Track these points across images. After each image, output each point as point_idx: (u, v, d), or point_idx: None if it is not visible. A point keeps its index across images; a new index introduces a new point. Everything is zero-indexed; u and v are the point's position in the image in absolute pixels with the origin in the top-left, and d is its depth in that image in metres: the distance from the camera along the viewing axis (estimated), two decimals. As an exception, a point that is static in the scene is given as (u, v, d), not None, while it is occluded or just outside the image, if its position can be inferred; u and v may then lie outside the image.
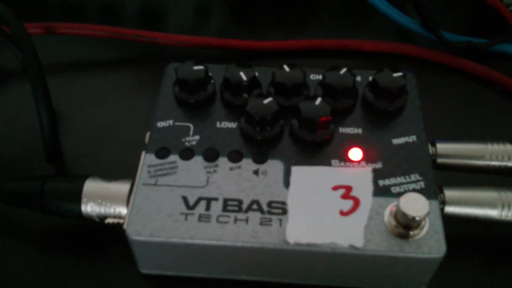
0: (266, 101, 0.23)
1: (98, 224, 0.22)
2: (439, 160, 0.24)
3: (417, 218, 0.19)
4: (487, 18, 0.36)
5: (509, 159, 0.24)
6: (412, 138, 0.23)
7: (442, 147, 0.24)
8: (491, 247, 0.24)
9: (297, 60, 0.26)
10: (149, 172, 0.22)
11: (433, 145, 0.24)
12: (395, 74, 0.24)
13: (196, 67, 0.24)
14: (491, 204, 0.22)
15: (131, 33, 0.32)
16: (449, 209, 0.22)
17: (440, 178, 0.22)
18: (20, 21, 0.26)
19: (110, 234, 0.24)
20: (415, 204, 0.19)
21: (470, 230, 0.25)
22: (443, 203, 0.22)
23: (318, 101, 0.23)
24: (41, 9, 0.37)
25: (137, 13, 0.37)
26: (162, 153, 0.23)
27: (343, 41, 0.34)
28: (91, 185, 0.22)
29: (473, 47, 0.33)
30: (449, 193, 0.22)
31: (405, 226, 0.20)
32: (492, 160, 0.24)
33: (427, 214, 0.19)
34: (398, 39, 0.35)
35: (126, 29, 0.32)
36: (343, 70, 0.24)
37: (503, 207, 0.22)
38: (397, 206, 0.20)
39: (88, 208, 0.22)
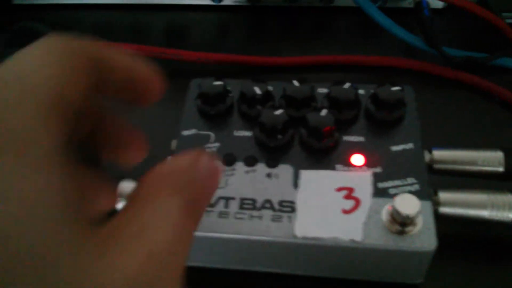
0: (277, 112, 0.26)
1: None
2: (436, 166, 0.26)
3: (410, 216, 0.22)
4: (487, 34, 0.38)
5: (499, 165, 0.26)
6: (409, 146, 0.26)
7: (439, 153, 0.26)
8: (484, 245, 0.26)
9: (308, 74, 0.28)
10: (175, 175, 0.25)
11: (431, 152, 0.26)
12: (394, 88, 0.26)
13: (216, 83, 0.27)
14: (482, 205, 0.24)
15: (159, 51, 0.35)
16: (444, 209, 0.24)
17: (436, 182, 0.25)
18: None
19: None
20: (407, 203, 0.22)
21: (464, 230, 0.27)
22: (438, 204, 0.24)
23: (324, 112, 0.25)
24: (73, 27, 0.41)
25: (160, 32, 0.40)
26: (186, 158, 0.26)
27: (351, 57, 0.36)
28: (124, 186, 0.25)
29: (473, 61, 0.35)
30: (443, 195, 0.25)
31: (400, 223, 0.22)
32: (484, 165, 0.26)
33: (419, 212, 0.22)
34: (402, 54, 0.37)
35: (155, 47, 0.35)
36: (347, 85, 0.27)
37: (492, 207, 0.24)
38: (392, 205, 0.22)
39: (121, 206, 0.25)
